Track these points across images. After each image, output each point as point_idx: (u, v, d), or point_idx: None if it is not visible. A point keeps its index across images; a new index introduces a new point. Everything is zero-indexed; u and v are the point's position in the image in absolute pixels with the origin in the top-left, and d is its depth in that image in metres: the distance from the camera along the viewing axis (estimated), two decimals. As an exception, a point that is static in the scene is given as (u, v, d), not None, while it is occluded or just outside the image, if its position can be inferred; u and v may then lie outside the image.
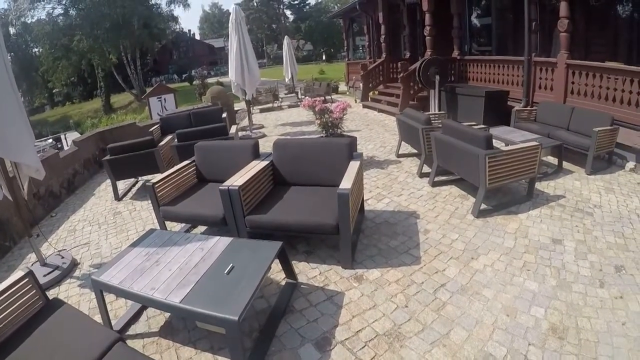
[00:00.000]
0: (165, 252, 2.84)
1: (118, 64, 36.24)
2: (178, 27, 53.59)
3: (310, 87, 15.93)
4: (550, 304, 2.81)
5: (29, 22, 35.79)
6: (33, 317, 2.35)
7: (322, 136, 5.83)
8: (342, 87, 18.12)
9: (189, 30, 61.46)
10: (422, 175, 5.54)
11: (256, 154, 4.11)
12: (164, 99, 12.82)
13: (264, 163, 3.86)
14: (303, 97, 14.96)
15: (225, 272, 2.43)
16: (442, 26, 9.86)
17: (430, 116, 5.79)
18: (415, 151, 6.41)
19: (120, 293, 2.57)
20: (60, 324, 2.30)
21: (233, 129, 6.26)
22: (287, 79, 16.40)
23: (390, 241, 3.88)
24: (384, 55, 12.82)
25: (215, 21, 72.33)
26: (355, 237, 3.69)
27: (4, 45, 3.34)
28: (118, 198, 6.11)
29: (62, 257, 4.39)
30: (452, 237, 3.88)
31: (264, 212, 3.35)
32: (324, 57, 54.16)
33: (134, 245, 3.05)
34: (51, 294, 3.71)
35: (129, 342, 2.81)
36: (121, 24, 32.21)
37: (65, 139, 24.92)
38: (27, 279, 2.46)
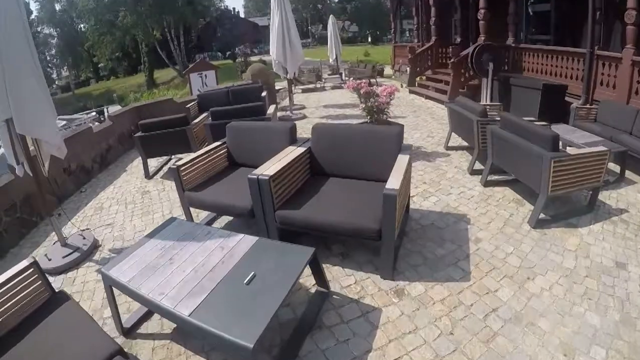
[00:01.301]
0: (182, 248, 2.61)
1: (162, 40, 37.14)
2: (222, 4, 54.84)
3: (354, 68, 15.52)
4: (612, 344, 2.37)
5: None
6: (35, 311, 2.26)
7: (367, 122, 5.43)
8: (388, 70, 17.52)
9: (234, 8, 62.63)
10: (473, 172, 5.03)
11: (293, 139, 3.79)
12: (205, 75, 12.91)
13: (301, 150, 3.54)
14: (347, 78, 14.60)
15: (245, 281, 2.14)
16: (496, 11, 9.16)
17: (487, 107, 5.23)
18: (466, 144, 5.88)
19: (128, 292, 2.36)
20: (60, 324, 2.14)
21: (271, 109, 5.95)
22: (331, 60, 16.14)
23: (437, 249, 3.46)
24: (434, 39, 12.17)
25: (259, 0, 73.26)
26: (398, 241, 3.31)
27: (26, 21, 3.31)
28: (148, 176, 6.08)
29: (84, 238, 4.34)
30: (506, 249, 3.43)
31: (297, 207, 3.04)
32: (369, 39, 53.28)
33: (151, 235, 2.85)
34: (69, 276, 3.72)
35: (139, 342, 2.66)
36: (164, 1, 32.92)
37: (107, 112, 25.99)
38: (31, 269, 2.33)
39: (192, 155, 3.86)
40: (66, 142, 6.28)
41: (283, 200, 3.13)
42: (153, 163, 6.53)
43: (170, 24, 35.90)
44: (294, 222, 2.98)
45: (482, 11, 9.11)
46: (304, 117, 8.95)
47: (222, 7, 55.28)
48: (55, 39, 48.31)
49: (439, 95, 10.03)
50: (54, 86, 53.50)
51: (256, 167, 3.66)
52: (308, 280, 3.05)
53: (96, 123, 15.77)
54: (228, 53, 43.90)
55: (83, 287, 3.57)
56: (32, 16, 45.35)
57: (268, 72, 10.81)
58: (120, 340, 2.69)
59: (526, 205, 4.18)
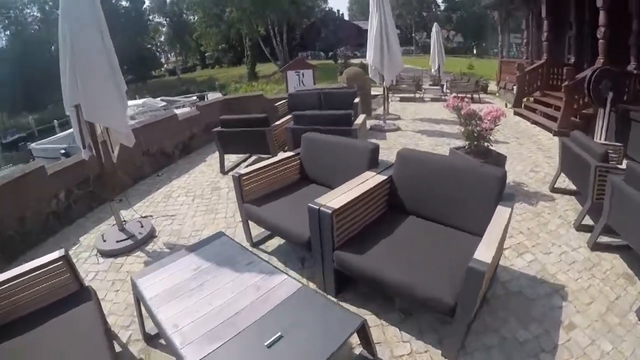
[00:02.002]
0: (217, 275, 2.34)
1: (265, 36, 39.05)
2: (327, 5, 57.31)
3: (457, 81, 14.60)
4: None
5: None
6: (54, 303, 2.26)
7: (464, 147, 4.79)
8: (492, 86, 16.23)
9: (338, 10, 64.27)
10: (580, 227, 4.10)
11: (373, 162, 3.34)
12: (302, 74, 12.90)
13: (380, 178, 3.06)
14: (448, 91, 13.87)
15: (267, 343, 1.75)
16: (616, 29, 7.71)
17: (608, 149, 4.25)
18: (576, 189, 4.92)
19: (147, 309, 2.16)
20: (71, 324, 2.10)
21: (360, 119, 5.53)
22: (433, 70, 15.53)
23: (520, 330, 2.74)
24: (545, 57, 10.90)
25: (365, 3, 73.91)
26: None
27: (101, 16, 3.48)
28: (223, 171, 6.08)
29: (142, 226, 4.37)
30: (604, 347, 2.57)
31: (360, 250, 2.58)
32: (474, 51, 50.82)
33: (191, 249, 2.65)
34: (117, 262, 3.81)
35: (157, 353, 2.53)
36: None
37: (207, 98, 27.70)
38: (60, 262, 2.31)
39: (256, 166, 3.59)
40: (148, 127, 6.69)
41: (346, 238, 2.71)
42: (232, 158, 6.56)
43: (274, 21, 37.63)
44: (352, 270, 2.53)
45: (602, 29, 7.74)
46: (398, 129, 8.40)
47: (327, 9, 57.54)
48: (165, 27, 53.87)
49: (547, 121, 8.85)
50: (162, 69, 59.34)
51: (328, 187, 3.38)
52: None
53: (194, 107, 16.77)
54: (330, 54, 44.75)
55: (126, 276, 3.56)
56: (145, 5, 51.64)
57: (365, 77, 10.44)
58: (140, 345, 2.64)
59: (637, 285, 3.26)
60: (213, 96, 31.59)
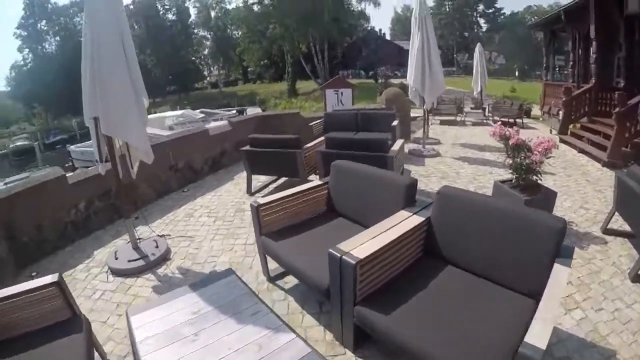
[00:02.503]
0: (216, 323, 2.07)
1: (307, 53, 39.94)
2: (368, 25, 57.37)
3: (499, 105, 14.07)
4: None
5: (228, 7, 44.14)
6: (43, 329, 2.16)
7: (511, 181, 4.38)
8: (536, 111, 15.46)
9: (380, 30, 64.17)
10: (635, 278, 3.51)
11: (409, 200, 2.98)
12: (341, 93, 12.78)
13: (417, 220, 2.68)
14: (490, 115, 13.51)
15: None
16: None
17: None
18: (631, 231, 4.30)
19: (135, 353, 1.95)
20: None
21: (397, 145, 5.18)
22: (475, 92, 15.14)
23: None
24: (593, 80, 10.22)
25: (407, 23, 74.23)
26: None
27: (127, 31, 3.47)
28: (250, 192, 5.89)
29: (157, 246, 4.23)
30: None
31: (386, 307, 2.21)
32: (516, 74, 49.56)
33: (194, 288, 2.43)
34: (126, 282, 3.68)
35: None
36: (311, 17, 35.17)
37: (246, 113, 28.14)
38: (53, 288, 2.18)
39: (277, 195, 3.30)
40: (177, 141, 6.62)
41: (371, 291, 2.36)
42: (262, 178, 6.35)
43: (316, 39, 38.44)
44: (374, 330, 2.19)
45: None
46: (437, 154, 7.98)
47: (368, 28, 57.88)
48: (209, 41, 56.29)
49: (595, 150, 8.13)
50: (205, 82, 61.49)
51: (358, 223, 3.10)
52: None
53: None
54: (371, 73, 44.84)
55: (132, 299, 3.43)
56: (190, 19, 54.21)
57: (404, 99, 10.12)
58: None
59: None
60: (252, 111, 32.20)
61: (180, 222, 5.08)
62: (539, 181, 4.31)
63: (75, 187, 4.77)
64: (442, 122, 12.90)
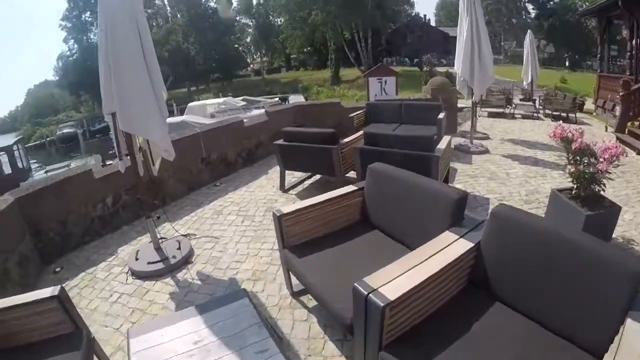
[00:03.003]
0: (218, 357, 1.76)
1: (350, 40, 39.12)
2: (412, 11, 55.88)
3: (551, 97, 12.96)
4: None
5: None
6: (42, 341, 2.09)
7: (570, 191, 3.80)
8: (589, 104, 14.13)
9: (424, 16, 61.79)
10: None
11: (457, 218, 2.42)
12: (385, 81, 12.34)
13: (464, 246, 2.18)
14: (540, 108, 12.38)
15: None
16: None
17: None
18: None
19: None
20: None
21: (444, 142, 4.58)
22: (524, 83, 14.00)
23: None
24: None
25: (452, 9, 71.93)
26: None
27: (143, 24, 3.24)
28: (283, 189, 5.58)
29: (179, 247, 4.03)
30: None
31: (417, 354, 1.79)
32: (566, 63, 46.38)
33: (200, 311, 2.14)
34: (144, 286, 3.54)
35: None
36: (354, 2, 34.36)
37: (289, 100, 27.91)
38: (49, 302, 2.08)
39: (308, 202, 2.91)
40: (210, 133, 6.38)
41: (400, 333, 1.91)
42: (297, 173, 6.02)
43: (359, 26, 37.56)
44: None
45: None
46: (485, 151, 7.31)
47: (413, 14, 56.24)
48: (251, 28, 56.36)
49: None
50: (248, 69, 62.01)
51: (395, 239, 2.68)
52: None
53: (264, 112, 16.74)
54: (415, 60, 43.48)
55: (148, 306, 3.27)
56: (233, 7, 54.40)
57: (451, 89, 9.44)
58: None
59: None
60: (295, 98, 32.03)
61: (207, 219, 4.86)
62: (602, 190, 3.71)
63: (102, 181, 4.65)
64: (490, 115, 12.05)
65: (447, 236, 2.26)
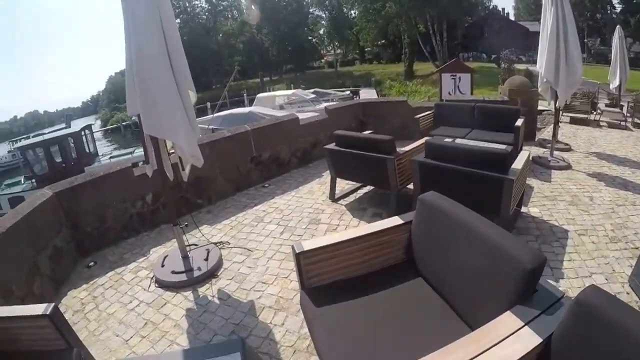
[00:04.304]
0: None
1: (425, 34, 37.71)
2: (490, 3, 53.85)
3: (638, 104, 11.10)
4: None
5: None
6: (35, 353, 2.03)
7: None
8: None
9: (503, 9, 58.89)
10: None
11: (526, 293, 1.71)
12: (459, 78, 11.51)
13: (531, 341, 1.48)
14: (629, 115, 10.63)
15: None
16: None
17: None
18: None
19: None
20: None
21: (521, 160, 3.77)
22: (611, 86, 12.15)
23: None
24: None
25: (532, 2, 66.79)
26: None
27: (167, 6, 2.99)
28: (333, 197, 5.05)
29: (207, 258, 3.72)
30: None
31: None
32: None
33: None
34: (164, 297, 3.32)
35: None
36: None
37: (359, 94, 27.25)
38: (41, 319, 1.97)
39: (339, 237, 2.30)
40: (261, 130, 5.93)
41: None
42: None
43: (434, 18, 36.04)
44: None
45: None
46: (567, 166, 6.17)
47: (490, 7, 53.94)
48: (325, 20, 56.09)
49: None
50: (322, 61, 61.78)
51: (441, 296, 2.12)
52: None
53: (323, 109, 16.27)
54: (493, 56, 40.72)
55: (161, 320, 3.03)
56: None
57: (531, 91, 8.25)
58: None
59: None
60: (367, 92, 31.35)
61: (246, 226, 4.50)
62: None
63: (142, 179, 4.45)
64: (572, 120, 10.53)
65: (506, 321, 1.60)
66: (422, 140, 4.69)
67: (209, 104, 27.50)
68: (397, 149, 4.27)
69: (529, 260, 1.69)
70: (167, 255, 3.79)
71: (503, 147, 4.85)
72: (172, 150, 3.47)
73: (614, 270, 3.26)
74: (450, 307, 2.02)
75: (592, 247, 3.64)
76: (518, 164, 3.63)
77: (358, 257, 2.33)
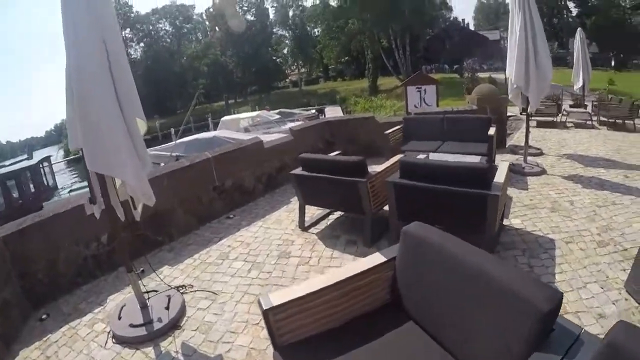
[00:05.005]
0: None
1: (388, 48, 38.23)
2: (451, 15, 55.60)
3: (605, 103, 11.51)
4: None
5: (306, 4, 46.63)
6: None
7: None
8: None
9: (463, 20, 59.94)
10: None
11: (544, 336, 1.45)
12: (424, 90, 11.61)
13: None
14: (593, 114, 10.99)
15: None
16: None
17: None
18: None
19: None
20: None
21: (501, 173, 3.41)
22: (575, 87, 12.57)
23: None
24: None
25: (490, 12, 70.20)
26: None
27: (111, 26, 2.64)
28: (303, 226, 4.70)
29: (168, 307, 3.32)
30: None
31: None
32: (612, 63, 43.41)
33: None
34: (122, 355, 2.90)
35: None
36: (391, 9, 33.35)
37: (325, 112, 27.17)
38: None
39: (310, 287, 1.96)
40: (223, 157, 5.49)
41: None
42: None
43: (397, 33, 36.73)
44: None
45: None
46: (542, 172, 6.11)
47: (451, 18, 55.54)
48: (288, 40, 57.28)
49: None
50: (287, 81, 62.51)
51: (437, 341, 1.84)
52: None
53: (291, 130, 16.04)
54: (456, 67, 41.85)
55: None
56: (270, 19, 55.84)
57: (499, 98, 8.24)
58: None
59: None
60: (332, 110, 31.26)
61: (210, 265, 4.10)
62: None
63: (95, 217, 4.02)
64: (539, 124, 10.73)
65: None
66: (395, 159, 4.47)
67: (172, 129, 26.75)
68: (370, 170, 3.98)
69: (544, 301, 1.43)
70: (124, 305, 3.37)
71: (478, 158, 4.73)
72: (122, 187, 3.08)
73: (607, 277, 3.16)
74: (454, 357, 1.71)
75: (581, 254, 3.57)
76: (500, 177, 3.42)
77: (337, 305, 2.00)
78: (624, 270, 3.20)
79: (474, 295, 1.65)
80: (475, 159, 4.90)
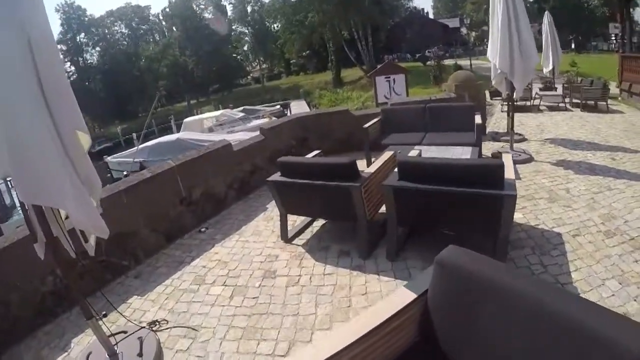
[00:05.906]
0: None
1: (349, 40, 37.93)
2: (411, 4, 56.15)
3: (575, 84, 11.61)
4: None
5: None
6: None
7: None
8: (612, 88, 12.86)
9: (422, 9, 61.18)
10: None
11: None
12: (393, 80, 11.46)
13: None
14: (567, 96, 11.04)
15: None
16: None
17: None
18: None
19: None
20: None
21: (510, 170, 3.04)
22: (545, 70, 12.60)
23: None
24: None
25: (449, 0, 71.22)
26: None
27: (42, 31, 2.06)
28: (286, 238, 4.18)
29: (141, 353, 2.76)
30: None
31: None
32: (572, 46, 45.44)
33: None
34: None
35: None
36: (351, 0, 33.33)
37: (290, 108, 26.59)
38: None
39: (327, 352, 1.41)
40: (188, 165, 4.81)
41: None
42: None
43: (358, 24, 36.49)
44: None
45: None
46: (530, 158, 5.88)
47: (411, 8, 56.23)
48: (248, 36, 56.72)
49: None
50: (249, 78, 61.48)
51: None
52: None
53: (273, 118, 15.47)
54: (418, 55, 42.11)
55: None
56: (228, 16, 55.16)
57: (477, 84, 7.99)
58: None
59: None
60: (297, 104, 30.76)
61: (185, 292, 3.53)
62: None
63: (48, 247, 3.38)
64: (515, 109, 10.69)
65: None
66: (386, 156, 4.04)
67: (134, 134, 25.48)
68: (361, 172, 3.51)
69: (633, 344, 1.06)
70: (90, 353, 2.79)
71: (469, 150, 4.38)
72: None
73: (623, 271, 3.02)
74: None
75: (591, 247, 3.37)
76: (509, 173, 3.03)
77: (357, 355, 1.53)
78: (637, 261, 3.10)
79: (536, 335, 1.24)
80: (466, 151, 4.58)
